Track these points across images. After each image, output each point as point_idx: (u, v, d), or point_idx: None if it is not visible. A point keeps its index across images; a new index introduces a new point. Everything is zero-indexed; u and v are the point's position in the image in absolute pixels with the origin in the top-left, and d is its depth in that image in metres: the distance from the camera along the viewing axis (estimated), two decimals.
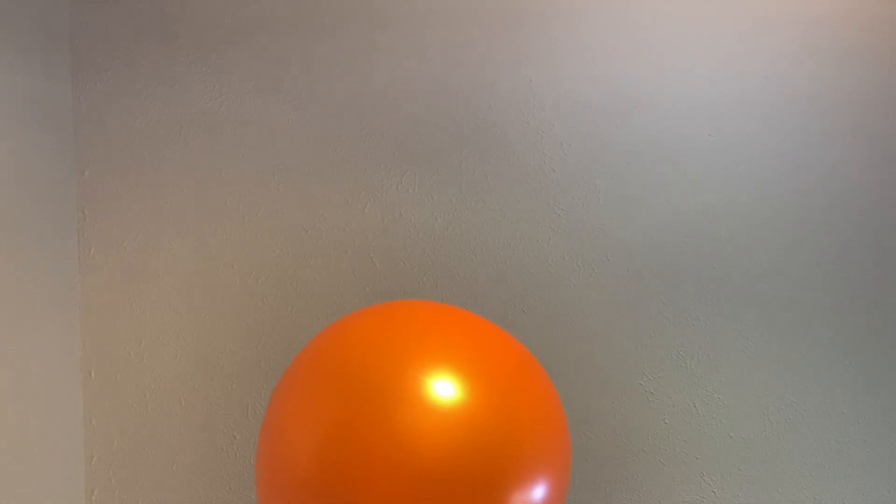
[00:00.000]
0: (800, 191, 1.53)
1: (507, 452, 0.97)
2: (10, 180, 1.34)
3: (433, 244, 1.53)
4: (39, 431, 1.40)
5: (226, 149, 1.52)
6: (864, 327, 1.53)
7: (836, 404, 1.53)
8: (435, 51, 1.53)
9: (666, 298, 1.53)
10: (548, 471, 1.01)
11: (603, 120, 1.53)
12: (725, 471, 1.53)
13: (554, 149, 1.53)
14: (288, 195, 1.53)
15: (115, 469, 1.52)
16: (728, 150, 1.53)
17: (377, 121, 1.53)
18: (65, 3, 1.51)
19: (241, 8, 1.53)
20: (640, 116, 1.53)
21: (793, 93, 1.53)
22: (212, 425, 1.52)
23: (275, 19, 1.53)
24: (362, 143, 1.53)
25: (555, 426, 1.07)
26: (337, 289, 1.52)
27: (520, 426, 1.00)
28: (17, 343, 1.35)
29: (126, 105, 1.52)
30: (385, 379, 0.99)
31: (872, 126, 1.53)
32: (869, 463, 1.53)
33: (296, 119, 1.53)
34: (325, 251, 1.53)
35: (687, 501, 1.54)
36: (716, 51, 1.52)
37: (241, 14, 1.53)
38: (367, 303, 1.52)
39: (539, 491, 0.99)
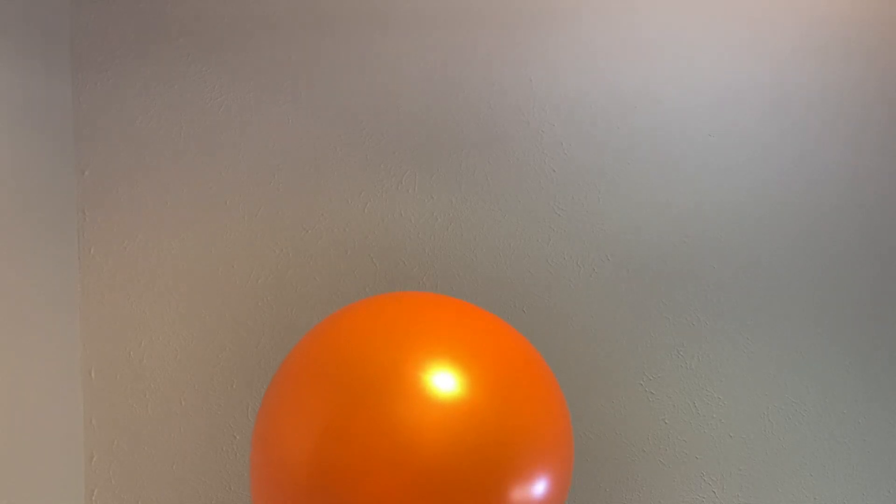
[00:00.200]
0: (800, 191, 1.53)
1: (508, 448, 0.94)
2: (9, 180, 1.34)
3: (433, 244, 1.53)
4: (39, 431, 1.40)
5: (226, 149, 1.52)
6: (864, 327, 1.53)
7: (836, 404, 1.54)
8: (435, 51, 1.53)
9: (666, 298, 1.53)
10: (550, 467, 0.98)
11: (603, 120, 1.53)
12: (725, 471, 1.53)
13: (554, 149, 1.53)
14: (288, 195, 1.53)
15: (115, 469, 1.52)
16: (728, 151, 1.53)
17: (377, 121, 1.53)
18: (65, 3, 1.51)
19: (241, 8, 1.53)
20: (641, 116, 1.53)
21: (793, 93, 1.53)
22: (212, 425, 1.52)
23: (275, 19, 1.53)
24: (362, 142, 1.53)
25: (557, 421, 1.04)
26: (337, 289, 1.52)
27: (522, 421, 0.97)
28: (17, 343, 1.35)
29: (126, 105, 1.52)
30: (381, 372, 0.96)
31: (873, 126, 1.53)
32: (869, 463, 1.53)
33: (296, 119, 1.53)
34: (325, 251, 1.53)
35: (687, 501, 1.54)
36: (716, 51, 1.52)
37: (241, 14, 1.53)
38: None
39: (540, 488, 0.96)
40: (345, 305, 1.52)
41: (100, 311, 1.52)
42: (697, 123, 1.53)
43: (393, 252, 1.53)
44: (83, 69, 1.52)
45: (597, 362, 1.53)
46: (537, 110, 1.53)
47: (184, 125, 1.52)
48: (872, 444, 1.54)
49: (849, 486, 1.54)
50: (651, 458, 1.54)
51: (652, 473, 1.53)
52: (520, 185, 1.53)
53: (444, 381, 0.95)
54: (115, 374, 1.52)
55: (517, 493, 0.94)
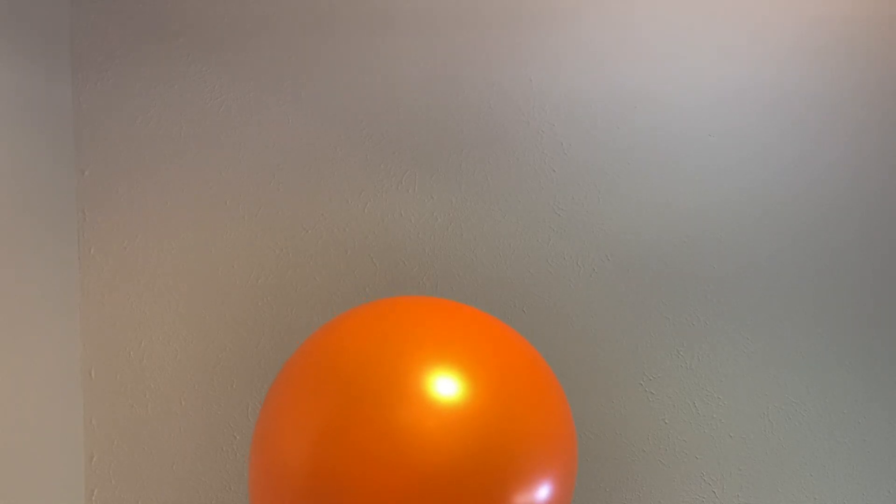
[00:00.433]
0: (800, 191, 1.53)
1: (511, 452, 0.93)
2: (10, 180, 1.34)
3: (433, 244, 1.53)
4: (39, 431, 1.40)
5: (226, 149, 1.52)
6: (865, 327, 1.53)
7: (836, 404, 1.53)
8: (435, 51, 1.53)
9: (666, 298, 1.53)
10: (553, 471, 0.97)
11: (603, 120, 1.53)
12: (725, 471, 1.53)
13: (554, 149, 1.53)
14: (288, 195, 1.53)
15: (115, 469, 1.52)
16: (728, 150, 1.53)
17: (377, 121, 1.53)
18: (65, 4, 1.51)
19: (241, 8, 1.53)
20: (641, 116, 1.53)
21: (793, 93, 1.53)
22: (212, 425, 1.52)
23: (275, 19, 1.53)
24: (362, 142, 1.53)
25: (560, 425, 1.03)
26: (337, 289, 1.52)
27: (525, 425, 0.96)
28: (17, 343, 1.35)
29: (126, 105, 1.52)
30: (382, 376, 0.95)
31: (874, 126, 1.53)
32: (869, 463, 1.53)
33: (296, 119, 1.53)
34: (325, 251, 1.53)
35: (687, 501, 1.54)
36: (716, 51, 1.52)
37: (241, 14, 1.53)
38: (366, 302, 1.52)
39: (544, 492, 0.95)
40: (344, 305, 1.52)
41: (100, 311, 1.52)
42: (697, 123, 1.53)
43: (393, 252, 1.53)
44: (83, 69, 1.52)
45: (597, 362, 1.53)
46: (537, 110, 1.53)
47: (184, 125, 1.52)
48: (872, 444, 1.54)
49: (849, 486, 1.54)
50: (651, 458, 1.54)
51: (652, 473, 1.53)
52: (520, 185, 1.53)
53: (445, 386, 0.94)
54: (115, 374, 1.52)
55: (520, 498, 0.93)
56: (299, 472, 0.94)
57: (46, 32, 1.46)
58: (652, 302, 1.53)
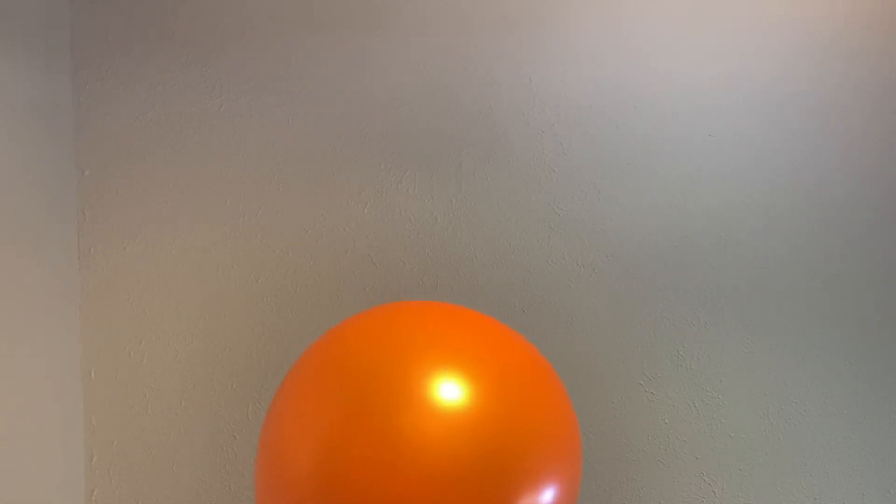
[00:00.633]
0: (800, 191, 1.53)
1: (516, 456, 0.93)
2: (10, 180, 1.34)
3: (433, 244, 1.53)
4: (39, 431, 1.40)
5: (226, 149, 1.52)
6: (865, 326, 1.53)
7: (836, 404, 1.53)
8: (435, 51, 1.53)
9: (666, 298, 1.53)
10: (558, 474, 0.97)
11: (603, 120, 1.53)
12: (725, 471, 1.53)
13: (554, 149, 1.53)
14: (288, 195, 1.53)
15: (115, 469, 1.52)
16: (728, 150, 1.53)
17: (377, 121, 1.53)
18: (65, 4, 1.51)
19: (241, 8, 1.53)
20: (641, 116, 1.53)
21: (794, 93, 1.53)
22: (212, 425, 1.52)
23: (274, 19, 1.53)
24: (362, 143, 1.53)
25: (565, 428, 1.03)
26: (337, 289, 1.52)
27: (529, 428, 0.96)
28: (17, 343, 1.35)
29: (126, 105, 1.52)
30: (387, 382, 0.95)
31: (875, 126, 1.53)
32: (869, 463, 1.53)
33: (296, 119, 1.53)
34: (325, 251, 1.53)
35: (687, 501, 1.54)
36: (716, 51, 1.52)
37: (241, 14, 1.53)
38: (367, 302, 1.52)
39: (549, 496, 0.95)
40: (344, 305, 1.53)
41: (100, 311, 1.52)
42: (697, 123, 1.53)
43: (393, 252, 1.53)
44: (83, 69, 1.52)
45: (597, 362, 1.53)
46: (537, 110, 1.53)
47: (184, 125, 1.52)
48: (872, 444, 1.53)
49: (849, 486, 1.54)
50: (651, 458, 1.54)
51: (652, 473, 1.53)
52: (520, 185, 1.53)
53: (450, 391, 0.94)
54: (115, 374, 1.52)
55: (526, 502, 0.93)
56: (305, 478, 0.94)
57: (47, 32, 1.46)
58: (652, 302, 1.53)
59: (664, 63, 1.53)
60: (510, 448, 0.93)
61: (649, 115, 1.53)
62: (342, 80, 1.53)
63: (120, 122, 1.52)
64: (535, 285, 1.53)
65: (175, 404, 1.52)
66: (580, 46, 1.53)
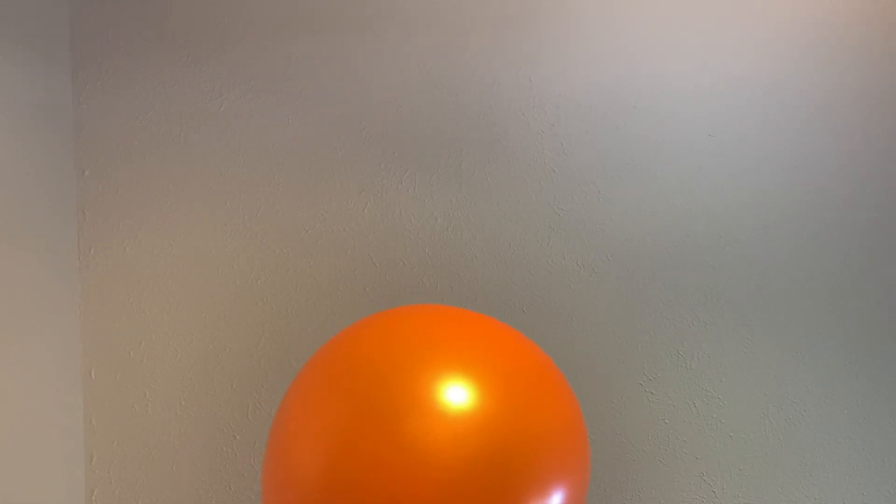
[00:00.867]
0: (800, 191, 1.53)
1: (524, 458, 0.93)
2: (10, 180, 1.34)
3: (433, 244, 1.53)
4: (39, 431, 1.40)
5: (226, 149, 1.52)
6: (864, 326, 1.53)
7: (836, 404, 1.53)
8: (435, 51, 1.53)
9: (666, 298, 1.53)
10: (567, 478, 0.97)
11: (603, 120, 1.53)
12: (725, 471, 1.53)
13: (554, 149, 1.53)
14: (288, 195, 1.53)
15: (115, 469, 1.52)
16: (728, 150, 1.53)
17: (377, 121, 1.53)
18: (65, 3, 1.51)
19: (241, 8, 1.53)
20: (641, 116, 1.53)
21: (794, 93, 1.53)
22: (212, 425, 1.52)
23: (274, 19, 1.53)
24: (362, 142, 1.53)
25: (573, 429, 1.02)
26: (337, 289, 1.52)
27: (537, 430, 0.96)
28: (17, 343, 1.35)
29: (126, 105, 1.52)
30: (395, 386, 0.95)
31: (875, 127, 1.53)
32: (869, 463, 1.53)
33: (296, 119, 1.53)
34: (325, 251, 1.53)
35: (687, 501, 1.54)
36: (717, 51, 1.52)
37: (241, 14, 1.53)
38: (367, 302, 1.52)
39: (558, 499, 0.95)
40: (344, 305, 1.53)
41: (100, 311, 1.52)
42: (697, 123, 1.53)
43: (393, 252, 1.53)
44: (83, 69, 1.52)
45: (597, 362, 1.53)
46: (537, 110, 1.53)
47: (184, 125, 1.52)
48: (872, 444, 1.54)
49: (849, 486, 1.54)
50: (651, 458, 1.54)
51: (652, 473, 1.53)
52: (520, 185, 1.53)
53: (458, 394, 0.94)
54: (115, 374, 1.52)
55: None
56: (313, 480, 0.94)
57: (47, 32, 1.46)
58: (652, 302, 1.53)
59: (664, 63, 1.53)
60: (518, 451, 0.93)
61: (649, 115, 1.53)
62: (342, 80, 1.53)
63: (120, 122, 1.52)
64: (535, 285, 1.53)
65: (175, 404, 1.52)
66: (580, 46, 1.53)
